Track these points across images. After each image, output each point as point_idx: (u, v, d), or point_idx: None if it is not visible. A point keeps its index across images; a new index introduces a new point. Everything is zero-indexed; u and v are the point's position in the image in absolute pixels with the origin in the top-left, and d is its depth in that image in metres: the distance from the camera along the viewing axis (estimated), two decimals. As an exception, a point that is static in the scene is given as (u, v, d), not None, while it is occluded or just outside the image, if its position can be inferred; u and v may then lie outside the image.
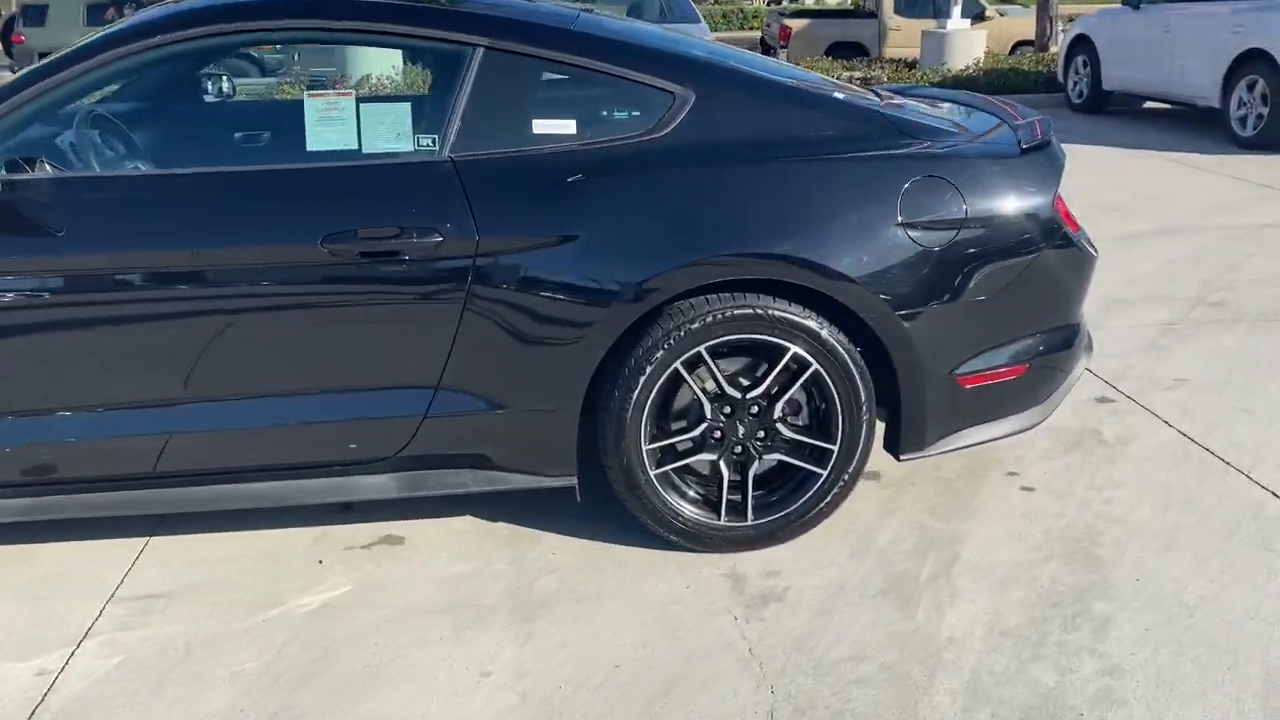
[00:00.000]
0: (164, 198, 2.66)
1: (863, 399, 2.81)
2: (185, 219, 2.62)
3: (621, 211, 2.71)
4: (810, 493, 2.88)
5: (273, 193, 2.66)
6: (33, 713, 2.30)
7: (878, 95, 3.40)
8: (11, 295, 2.57)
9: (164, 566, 2.86)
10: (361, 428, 2.75)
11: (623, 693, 2.36)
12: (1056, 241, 2.91)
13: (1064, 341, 3.04)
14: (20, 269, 2.58)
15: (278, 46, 2.97)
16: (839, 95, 3.11)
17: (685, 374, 2.76)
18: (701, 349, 2.73)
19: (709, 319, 2.71)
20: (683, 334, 2.70)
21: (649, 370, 2.72)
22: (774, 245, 2.71)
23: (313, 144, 2.69)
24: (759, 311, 2.72)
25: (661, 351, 2.71)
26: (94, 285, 2.59)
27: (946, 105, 3.47)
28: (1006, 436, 3.11)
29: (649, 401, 2.75)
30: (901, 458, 2.98)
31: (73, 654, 2.50)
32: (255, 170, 2.74)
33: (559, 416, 2.77)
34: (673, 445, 2.84)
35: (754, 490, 2.89)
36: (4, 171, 2.61)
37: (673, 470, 2.85)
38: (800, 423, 2.89)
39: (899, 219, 2.76)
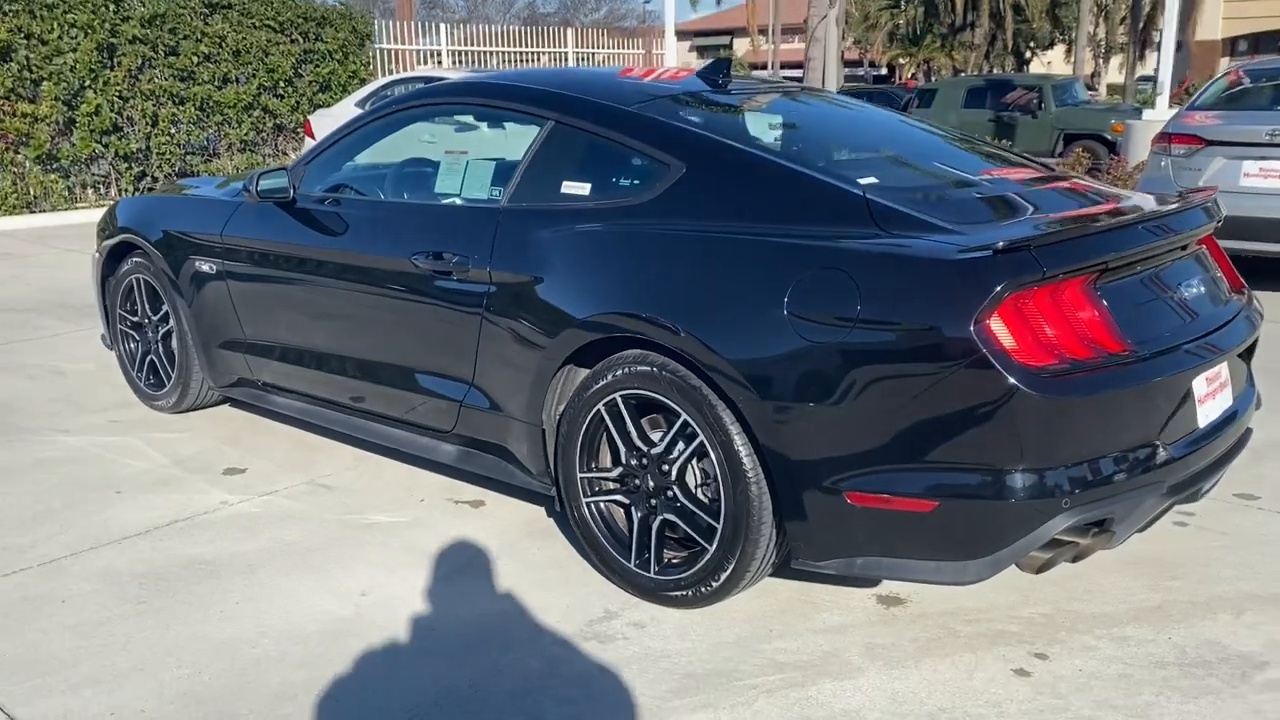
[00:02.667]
0: (370, 217, 3.80)
1: (749, 480, 2.75)
2: (376, 233, 3.73)
3: (574, 261, 3.10)
4: (699, 565, 2.90)
5: (407, 221, 3.63)
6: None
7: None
8: (311, 268, 3.91)
9: (349, 467, 4.06)
10: (430, 401, 3.59)
11: (437, 643, 2.88)
12: (966, 366, 2.44)
13: (997, 488, 2.49)
14: (320, 255, 3.90)
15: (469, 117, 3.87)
16: (814, 171, 2.94)
17: (606, 417, 3.03)
18: (617, 396, 2.99)
19: (619, 371, 2.97)
20: (606, 379, 3.00)
21: (581, 404, 3.07)
22: (640, 308, 2.85)
23: (439, 189, 3.61)
24: (655, 371, 2.88)
25: (590, 391, 3.04)
26: (340, 271, 3.81)
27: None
28: (931, 583, 2.66)
29: (583, 431, 3.09)
30: (793, 564, 2.80)
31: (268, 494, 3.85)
32: (403, 203, 3.75)
33: (531, 429, 3.27)
34: (600, 480, 3.12)
35: (668, 549, 3.01)
36: (324, 190, 4.03)
37: (604, 502, 3.13)
38: (698, 493, 2.92)
39: (786, 307, 2.65)
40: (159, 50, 12.41)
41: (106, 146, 12.18)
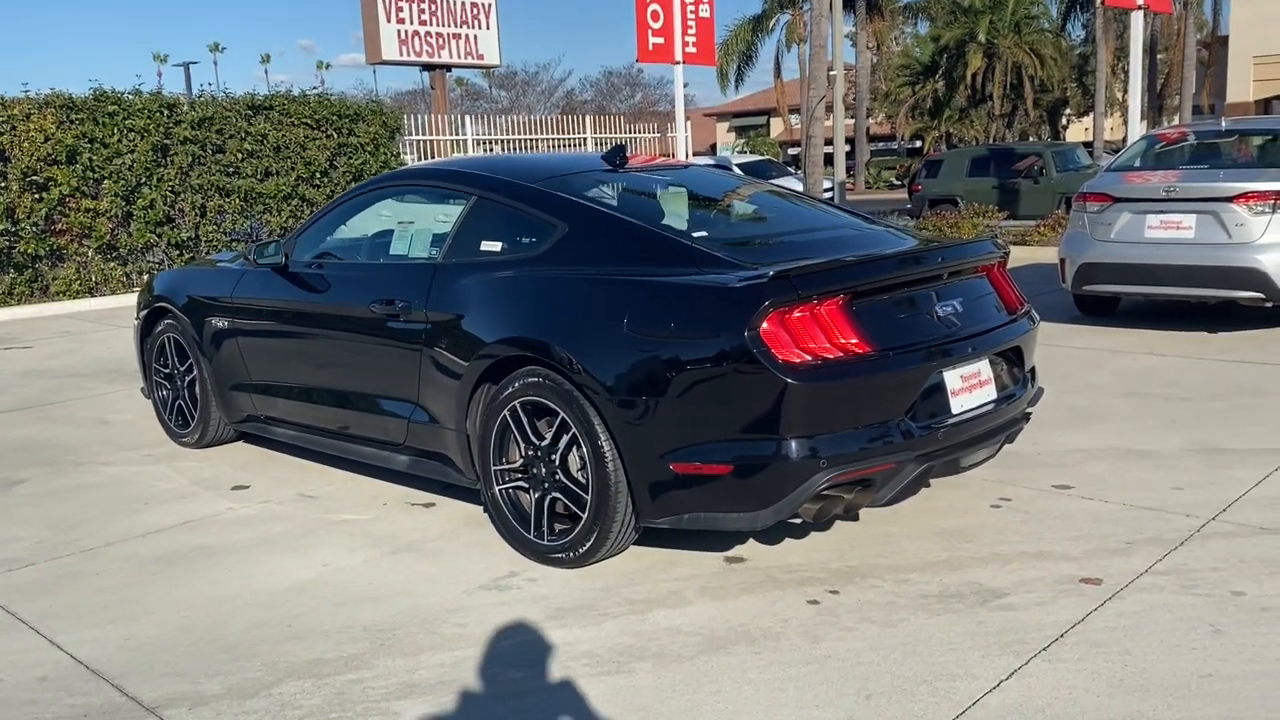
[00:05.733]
0: (342, 275, 4.77)
1: (608, 462, 3.62)
2: (346, 287, 4.70)
3: (486, 301, 4.02)
4: (575, 532, 3.76)
5: (368, 277, 4.60)
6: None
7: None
8: (308, 317, 4.86)
9: (333, 483, 4.96)
10: (387, 420, 4.50)
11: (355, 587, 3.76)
12: (744, 364, 3.30)
13: (772, 454, 3.33)
14: (304, 308, 4.88)
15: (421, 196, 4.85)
16: (656, 228, 3.88)
17: (509, 420, 3.92)
18: (516, 403, 3.88)
19: (517, 384, 3.87)
20: (508, 390, 3.90)
21: (492, 411, 3.96)
22: (524, 333, 3.76)
23: (393, 250, 4.57)
24: (541, 381, 3.78)
25: (497, 400, 3.94)
26: (320, 320, 4.77)
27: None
28: (735, 529, 3.50)
29: (494, 433, 3.98)
30: (639, 522, 3.65)
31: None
32: (366, 263, 4.72)
33: (460, 436, 4.16)
34: (508, 471, 3.99)
35: (558, 523, 3.87)
36: (311, 258, 5.01)
37: (510, 488, 4.00)
38: (576, 475, 3.79)
39: (626, 327, 3.55)
40: (207, 149, 13.76)
41: (160, 236, 13.48)
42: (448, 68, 21.92)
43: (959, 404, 3.67)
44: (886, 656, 3.10)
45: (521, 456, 3.93)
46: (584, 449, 3.67)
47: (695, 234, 3.82)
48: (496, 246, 4.18)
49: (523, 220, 4.18)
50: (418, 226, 4.62)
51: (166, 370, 5.82)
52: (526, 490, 3.95)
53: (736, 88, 40.38)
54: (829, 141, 23.13)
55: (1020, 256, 13.24)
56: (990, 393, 3.82)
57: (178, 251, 13.60)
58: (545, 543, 3.87)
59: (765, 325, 3.32)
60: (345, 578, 3.90)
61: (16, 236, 12.39)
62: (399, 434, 4.46)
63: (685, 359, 3.43)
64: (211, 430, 5.63)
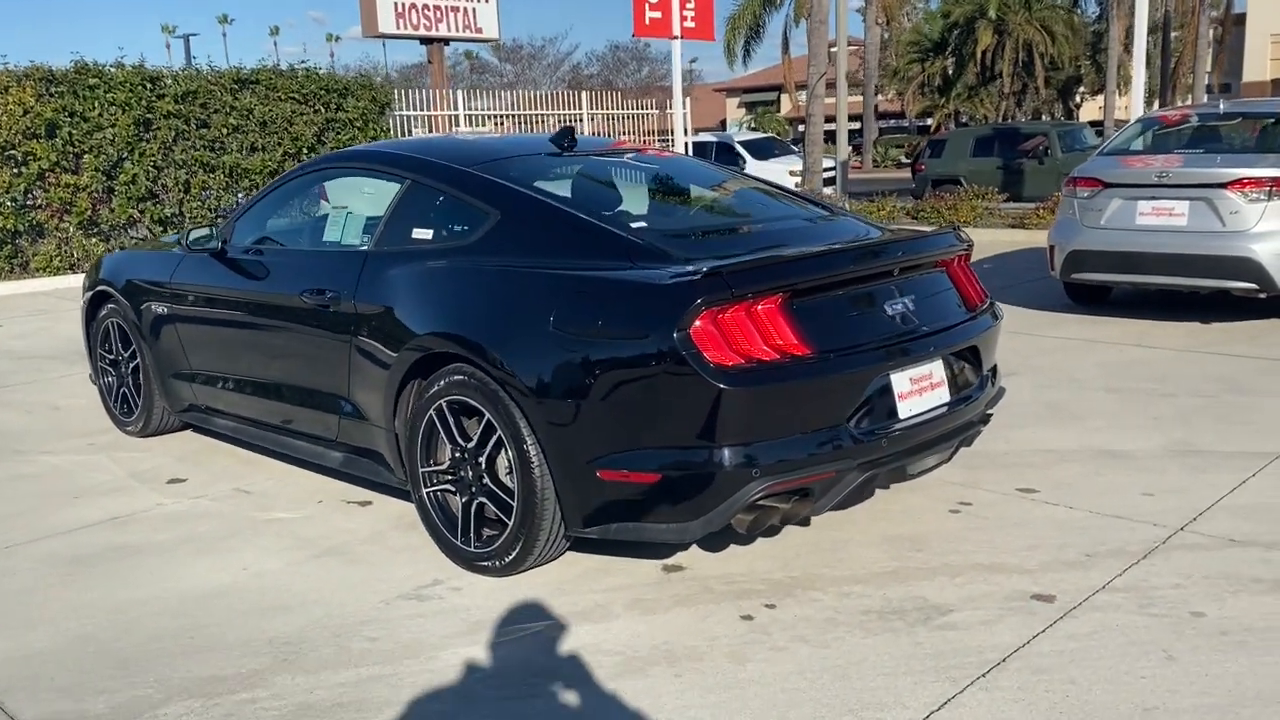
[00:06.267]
0: (276, 263, 4.55)
1: (534, 467, 3.41)
2: (280, 275, 4.49)
3: (414, 293, 3.80)
4: (502, 539, 3.56)
5: (301, 265, 4.39)
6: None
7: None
8: (243, 305, 4.64)
9: (273, 477, 4.77)
10: (320, 415, 4.30)
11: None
12: (673, 366, 3.08)
13: (701, 463, 3.12)
14: (240, 296, 4.67)
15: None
16: (591, 217, 3.63)
17: (436, 420, 3.71)
18: (443, 402, 3.67)
19: (443, 381, 3.66)
20: (435, 388, 3.69)
21: (419, 409, 3.76)
22: (449, 328, 3.54)
23: (326, 237, 4.36)
24: (467, 379, 3.57)
25: (424, 398, 3.73)
26: (255, 309, 4.55)
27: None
28: (664, 542, 3.29)
29: (421, 433, 3.77)
30: (567, 532, 3.45)
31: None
32: (300, 250, 4.50)
33: (389, 434, 3.96)
34: (436, 472, 3.79)
35: (488, 528, 3.67)
36: (257, 245, 4.79)
37: (439, 491, 3.79)
38: (503, 479, 3.58)
39: (552, 325, 3.33)
40: (191, 123, 13.54)
41: (143, 212, 13.27)
42: (445, 41, 21.59)
43: (907, 408, 3.45)
44: (814, 682, 2.90)
45: (449, 458, 3.73)
46: (510, 452, 3.47)
47: (634, 225, 3.59)
48: (428, 234, 3.96)
49: (455, 207, 3.96)
50: (352, 212, 4.40)
51: (111, 356, 5.62)
52: (455, 494, 3.75)
53: (744, 63, 39.88)
54: (834, 119, 22.79)
55: (1017, 240, 12.99)
56: (943, 395, 3.60)
57: (161, 228, 13.39)
58: (472, 549, 3.67)
59: (696, 325, 3.09)
60: (263, 583, 3.71)
61: (-5, 211, 12.21)
62: (332, 430, 4.26)
63: (612, 360, 3.22)
64: (155, 419, 5.44)
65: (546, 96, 19.07)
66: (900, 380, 3.43)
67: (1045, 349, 6.96)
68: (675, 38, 18.16)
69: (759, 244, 3.63)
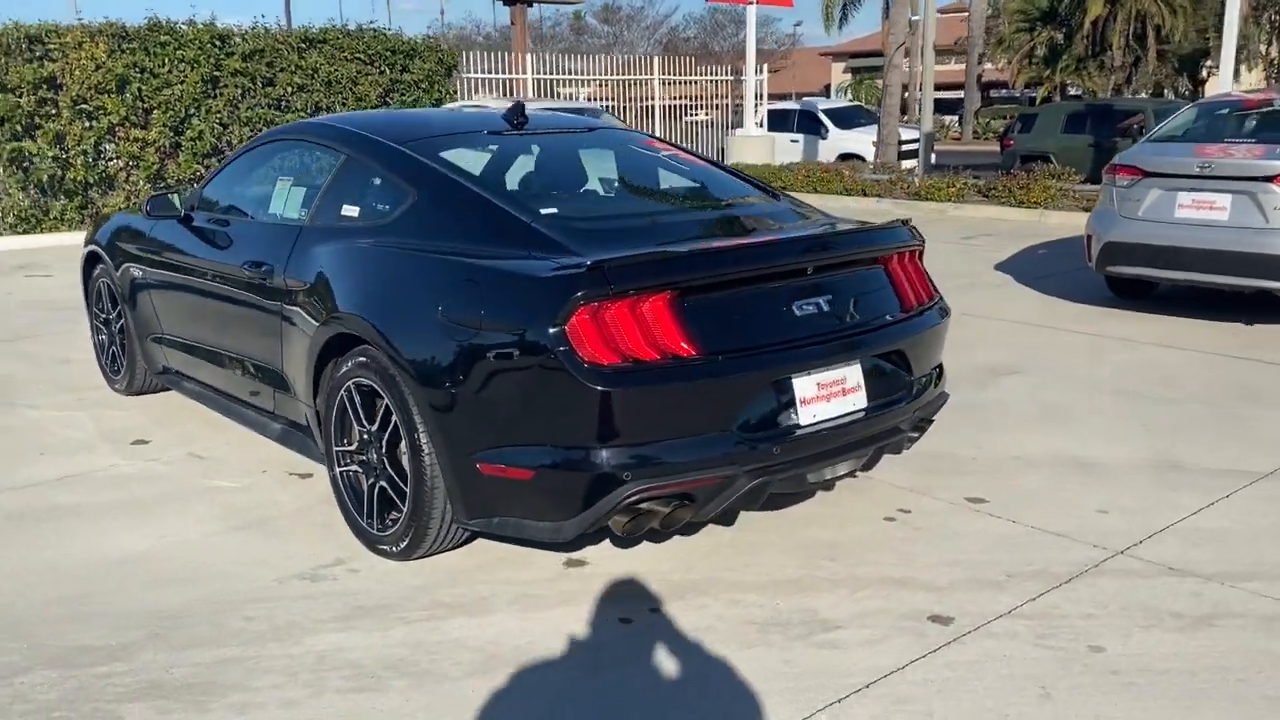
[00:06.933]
0: (228, 232, 4.55)
1: (424, 454, 3.35)
2: (230, 245, 4.50)
3: (334, 270, 3.76)
4: (398, 524, 3.52)
5: (246, 236, 4.39)
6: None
7: None
8: (201, 273, 4.69)
9: (230, 444, 4.82)
10: (261, 387, 4.32)
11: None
12: (548, 362, 2.99)
13: (573, 463, 3.03)
14: (196, 264, 4.72)
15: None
16: (502, 201, 3.54)
17: (345, 400, 3.68)
18: (350, 382, 3.64)
19: (350, 362, 3.62)
20: (344, 368, 3.66)
21: (333, 388, 3.73)
22: (354, 308, 3.50)
23: (271, 209, 4.35)
24: (368, 361, 3.52)
25: (336, 377, 3.70)
26: (210, 277, 4.57)
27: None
28: (540, 540, 3.21)
29: (334, 412, 3.75)
30: (453, 522, 3.39)
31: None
32: (249, 222, 4.49)
33: (312, 410, 3.95)
34: (347, 452, 3.77)
35: (393, 511, 3.63)
36: (218, 213, 4.82)
37: (351, 471, 3.77)
38: (402, 464, 3.53)
39: (440, 312, 3.26)
40: (257, 81, 13.77)
41: (208, 168, 13.56)
42: (529, 2, 21.58)
43: (811, 413, 3.29)
44: (656, 699, 2.80)
45: (358, 440, 3.70)
46: (404, 439, 3.42)
47: (544, 211, 3.48)
48: (355, 211, 3.92)
49: (381, 185, 3.90)
50: (296, 185, 4.37)
51: (103, 315, 5.75)
52: (363, 475, 3.72)
53: (840, 27, 38.99)
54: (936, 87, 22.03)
55: (1079, 225, 12.42)
56: (858, 400, 3.42)
57: (226, 183, 13.68)
58: (375, 532, 3.64)
59: (574, 321, 2.98)
60: (174, 553, 3.75)
61: (67, 163, 12.61)
62: (269, 402, 4.28)
63: (491, 351, 3.13)
64: (139, 379, 5.55)
65: (617, 62, 18.88)
66: (804, 385, 3.27)
67: (1062, 345, 6.64)
68: (750, 3, 17.83)
69: (674, 237, 3.48)
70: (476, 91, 16.54)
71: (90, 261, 5.77)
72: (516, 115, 4.29)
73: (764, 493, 3.29)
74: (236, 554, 3.73)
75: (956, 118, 43.18)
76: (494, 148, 4.16)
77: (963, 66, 41.34)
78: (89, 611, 3.32)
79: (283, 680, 2.91)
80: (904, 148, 20.89)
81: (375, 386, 3.51)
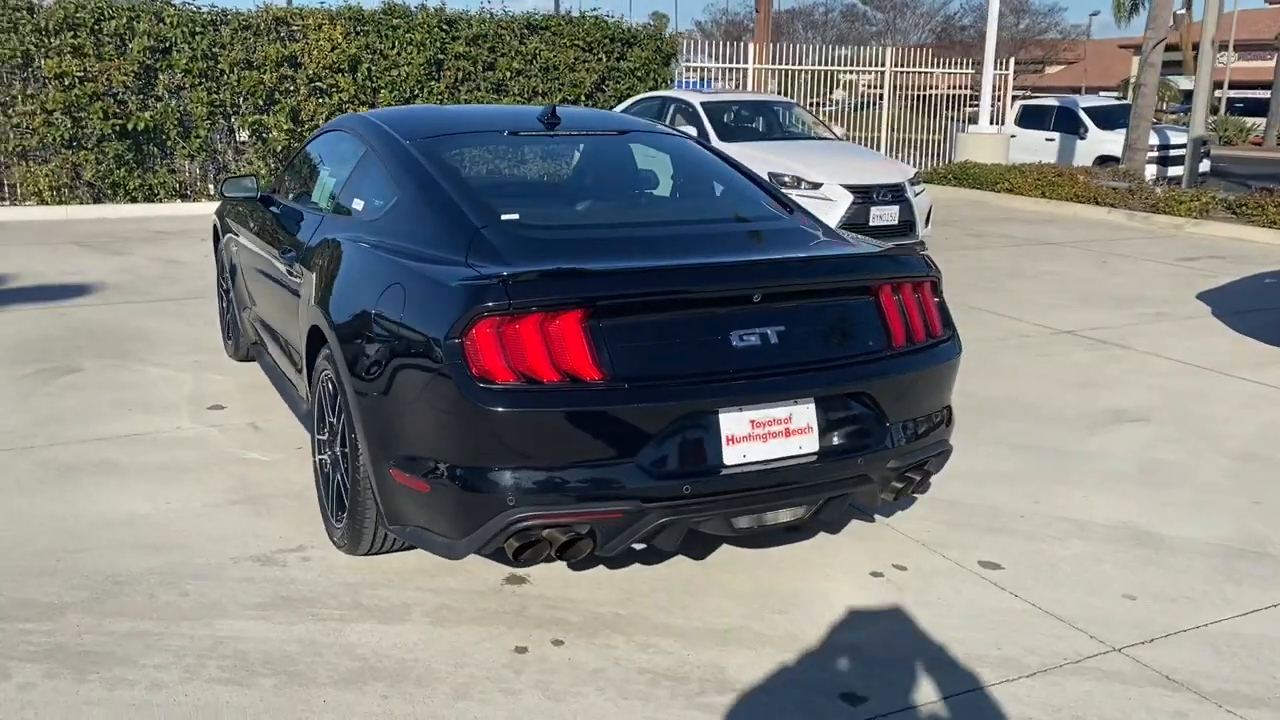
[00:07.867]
0: (285, 214, 4.72)
1: (360, 453, 3.34)
2: (280, 228, 4.67)
3: (327, 263, 3.81)
4: (344, 519, 3.54)
5: (291, 220, 4.53)
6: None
7: None
8: (271, 254, 4.93)
9: (292, 418, 5.02)
10: (292, 367, 4.46)
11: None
12: (441, 375, 2.89)
13: (462, 481, 2.92)
14: (263, 248, 4.94)
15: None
16: (465, 206, 3.46)
17: (321, 393, 3.74)
18: (322, 374, 3.69)
19: (320, 356, 3.67)
20: (318, 360, 3.72)
21: (314, 379, 3.81)
22: (323, 302, 3.54)
23: (314, 197, 4.46)
24: (328, 354, 3.56)
25: (317, 369, 3.77)
26: (268, 260, 4.79)
27: None
28: (443, 555, 3.13)
29: (315, 402, 3.82)
30: (380, 527, 3.36)
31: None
32: (295, 208, 4.62)
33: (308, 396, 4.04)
34: (323, 442, 3.82)
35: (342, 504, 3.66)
36: (283, 198, 5.02)
37: (325, 459, 3.82)
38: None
39: (374, 310, 3.24)
40: (478, 65, 14.32)
41: (427, 146, 14.25)
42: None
43: (739, 453, 3.02)
44: (494, 738, 2.66)
45: (328, 431, 3.75)
46: (345, 436, 3.43)
47: (506, 217, 3.38)
48: (360, 205, 3.96)
49: (382, 180, 3.91)
50: (331, 174, 4.48)
51: (224, 284, 6.15)
52: (331, 467, 3.76)
53: (1129, 18, 36.01)
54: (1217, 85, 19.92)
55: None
56: (806, 443, 3.11)
57: (443, 162, 14.34)
58: (333, 523, 3.68)
59: (473, 334, 2.87)
60: (166, 520, 3.94)
61: (301, 137, 13.60)
62: (302, 384, 4.41)
63: (400, 359, 3.07)
64: (242, 346, 5.89)
65: (845, 54, 18.27)
66: (733, 421, 3.01)
67: (1217, 395, 5.82)
68: (991, -5, 16.76)
69: (628, 252, 3.28)
70: (704, 80, 16.50)
71: (216, 231, 6.17)
72: (549, 116, 4.19)
73: (678, 532, 3.05)
74: (215, 528, 3.88)
75: (1264, 121, 39.00)
76: (506, 149, 4.09)
77: (1263, 64, 37.25)
78: (59, 567, 3.54)
79: (167, 661, 2.99)
80: (1172, 153, 19.06)
81: (334, 381, 3.53)
